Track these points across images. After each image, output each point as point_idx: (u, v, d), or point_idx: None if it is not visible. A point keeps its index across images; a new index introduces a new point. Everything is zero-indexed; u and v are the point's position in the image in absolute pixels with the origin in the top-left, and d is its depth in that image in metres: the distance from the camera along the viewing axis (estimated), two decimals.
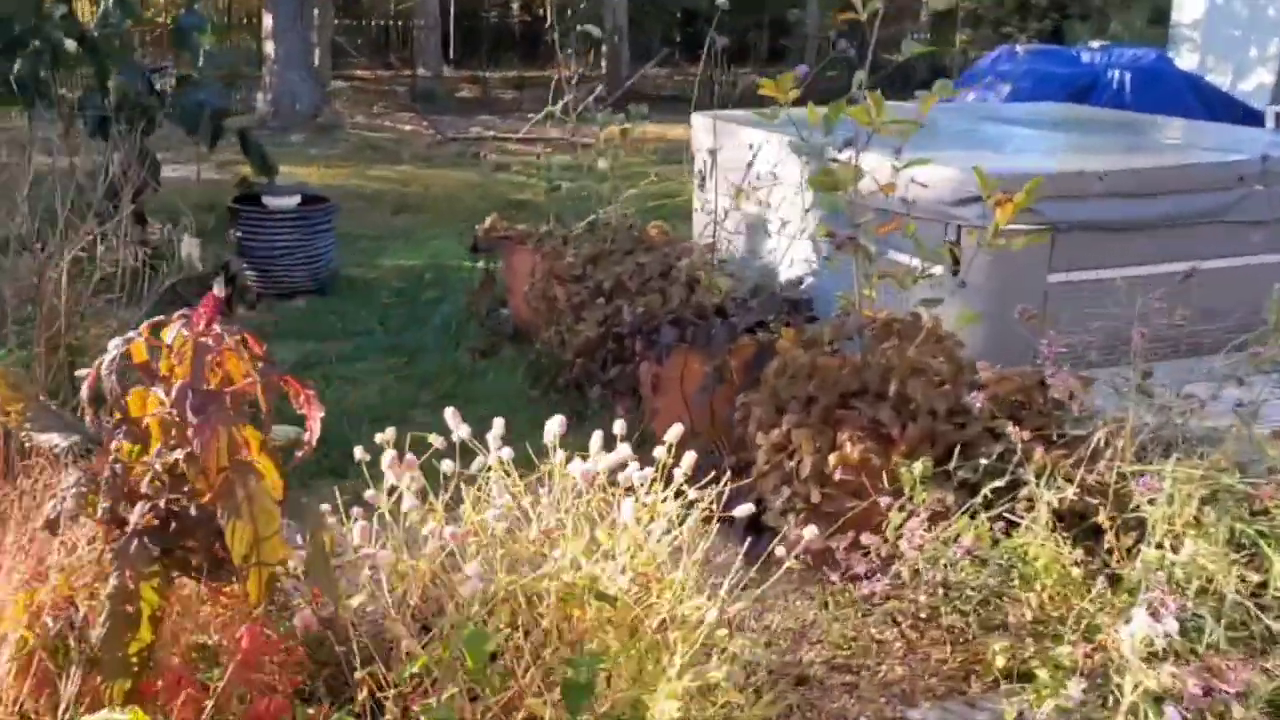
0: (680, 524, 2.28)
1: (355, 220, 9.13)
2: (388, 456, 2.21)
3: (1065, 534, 2.62)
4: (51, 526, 1.74)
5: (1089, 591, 2.41)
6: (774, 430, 3.02)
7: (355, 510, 2.18)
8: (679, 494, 2.40)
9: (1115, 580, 2.51)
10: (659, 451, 2.45)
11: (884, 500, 2.66)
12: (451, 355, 5.31)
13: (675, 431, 2.49)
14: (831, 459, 2.92)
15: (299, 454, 1.99)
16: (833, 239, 3.10)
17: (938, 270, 3.43)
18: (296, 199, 6.53)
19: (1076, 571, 2.40)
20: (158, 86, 6.21)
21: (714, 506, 2.43)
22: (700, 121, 5.52)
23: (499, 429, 2.53)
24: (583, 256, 4.63)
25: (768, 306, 3.74)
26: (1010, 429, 2.60)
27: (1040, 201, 3.74)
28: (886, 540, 2.57)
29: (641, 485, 2.39)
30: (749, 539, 3.32)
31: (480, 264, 5.51)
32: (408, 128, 14.06)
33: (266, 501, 1.72)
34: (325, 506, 2.25)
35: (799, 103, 3.40)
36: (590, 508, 2.36)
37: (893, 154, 3.21)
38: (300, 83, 13.33)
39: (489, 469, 2.52)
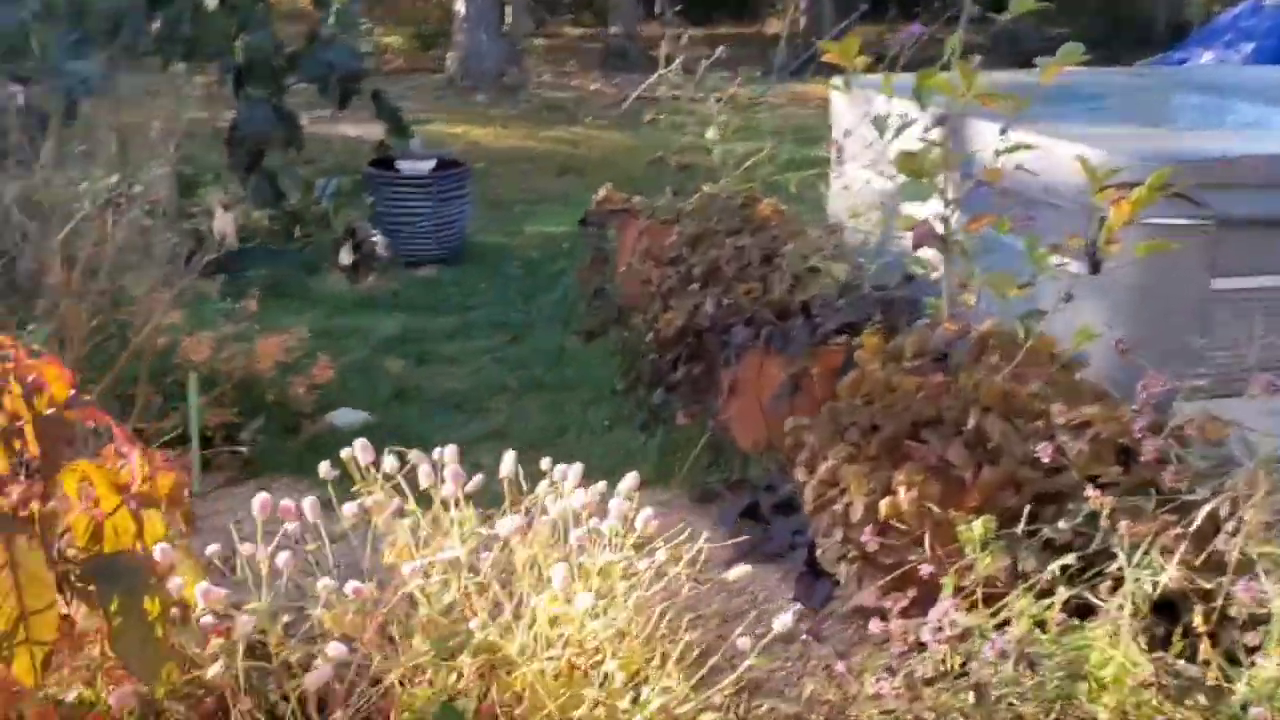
0: (631, 588, 1.86)
1: (516, 183, 8.95)
2: (259, 502, 1.87)
3: (1165, 625, 2.06)
4: None
5: (1177, 713, 1.86)
6: (822, 464, 2.54)
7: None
8: (647, 549, 1.99)
9: (1218, 694, 1.94)
10: (616, 505, 2.02)
11: (925, 568, 2.15)
12: (558, 336, 5.00)
13: (631, 480, 2.06)
14: (883, 505, 2.42)
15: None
16: (913, 232, 2.58)
17: (1073, 268, 2.84)
18: (431, 163, 6.34)
19: (1149, 694, 1.85)
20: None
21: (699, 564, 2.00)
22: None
23: (450, 455, 2.15)
24: (685, 236, 4.20)
25: (858, 306, 3.23)
26: (1090, 492, 2.04)
27: (1205, 192, 3.09)
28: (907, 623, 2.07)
29: (605, 539, 1.97)
30: (806, 584, 2.89)
31: (594, 238, 5.15)
32: (594, 87, 13.82)
33: (37, 568, 1.42)
34: (212, 549, 1.94)
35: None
36: (543, 561, 1.97)
37: (1000, 132, 2.65)
38: (488, 42, 13.28)
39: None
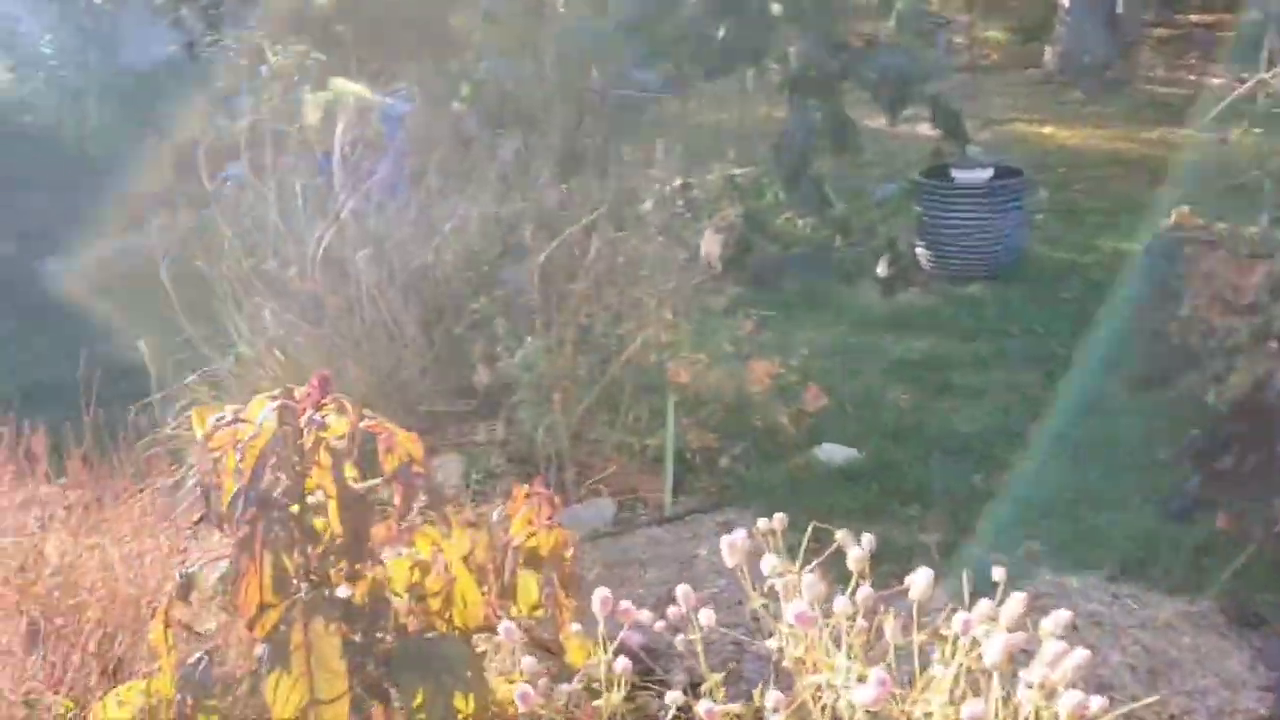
0: None
1: (1098, 190, 8.07)
2: (599, 600, 1.63)
3: None
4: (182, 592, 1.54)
5: None
6: None
7: None
8: None
9: None
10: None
11: None
12: (1100, 379, 4.32)
13: (1062, 649, 1.55)
14: None
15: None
16: None
17: None
18: (988, 172, 5.84)
19: None
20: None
21: None
22: None
23: (860, 556, 1.79)
24: (1270, 278, 3.39)
25: None
26: None
27: None
28: None
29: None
30: None
31: (1160, 268, 4.38)
32: (1217, 81, 12.16)
33: (330, 655, 1.30)
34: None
35: None
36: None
37: None
38: (1093, 32, 12.20)
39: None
